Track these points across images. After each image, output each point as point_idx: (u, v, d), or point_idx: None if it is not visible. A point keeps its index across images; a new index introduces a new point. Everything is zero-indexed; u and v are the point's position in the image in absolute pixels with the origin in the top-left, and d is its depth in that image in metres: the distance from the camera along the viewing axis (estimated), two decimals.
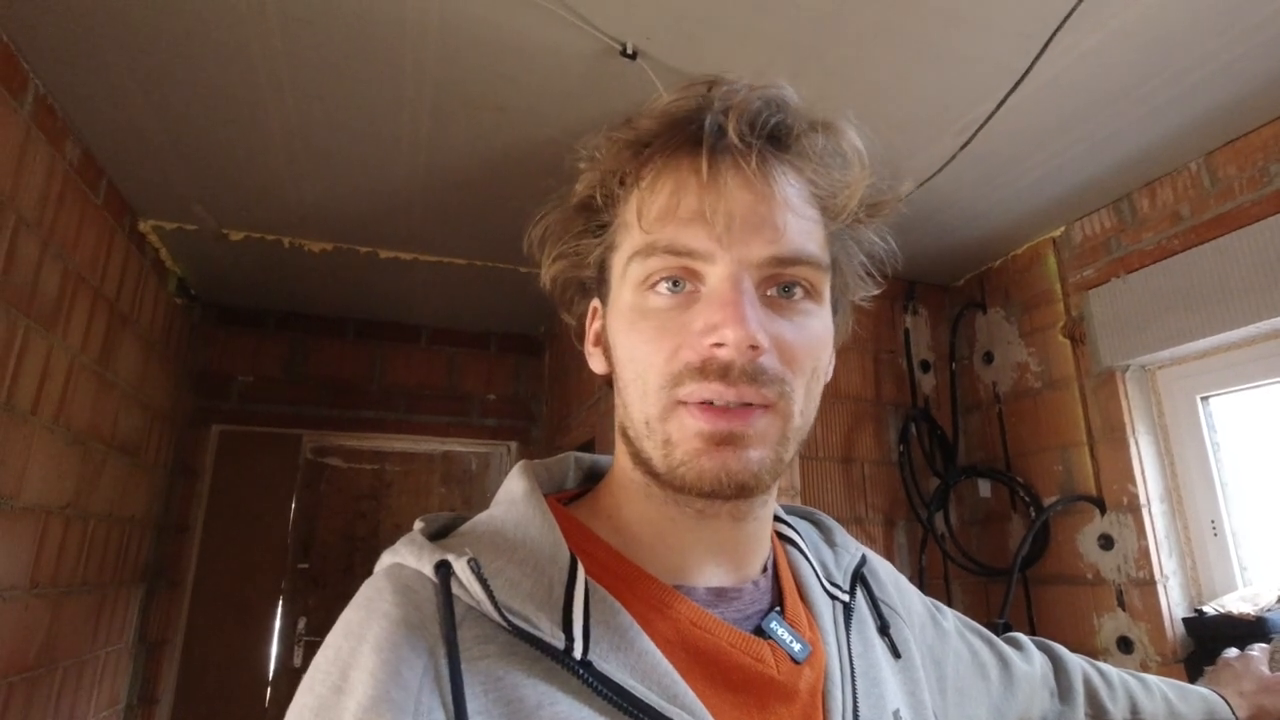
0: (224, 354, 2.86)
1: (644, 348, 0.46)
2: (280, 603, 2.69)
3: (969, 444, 2.49)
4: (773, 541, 0.56)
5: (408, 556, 0.44)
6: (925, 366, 2.53)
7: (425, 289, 2.73)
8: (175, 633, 2.57)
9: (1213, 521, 1.92)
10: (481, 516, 0.50)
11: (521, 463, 0.54)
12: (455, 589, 0.41)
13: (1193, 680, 1.74)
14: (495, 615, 0.40)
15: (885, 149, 1.17)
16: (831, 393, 2.51)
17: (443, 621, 0.40)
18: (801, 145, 0.48)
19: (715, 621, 0.46)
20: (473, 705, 0.38)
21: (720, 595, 0.49)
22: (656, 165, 0.48)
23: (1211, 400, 1.99)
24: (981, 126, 1.68)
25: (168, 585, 2.58)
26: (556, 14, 1.38)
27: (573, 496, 0.56)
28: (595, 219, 0.52)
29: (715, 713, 0.41)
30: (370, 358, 3.08)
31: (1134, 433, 2.03)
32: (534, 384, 3.33)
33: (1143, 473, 2.00)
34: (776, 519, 0.59)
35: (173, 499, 2.64)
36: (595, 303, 0.55)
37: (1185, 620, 1.85)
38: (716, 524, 0.48)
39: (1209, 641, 1.76)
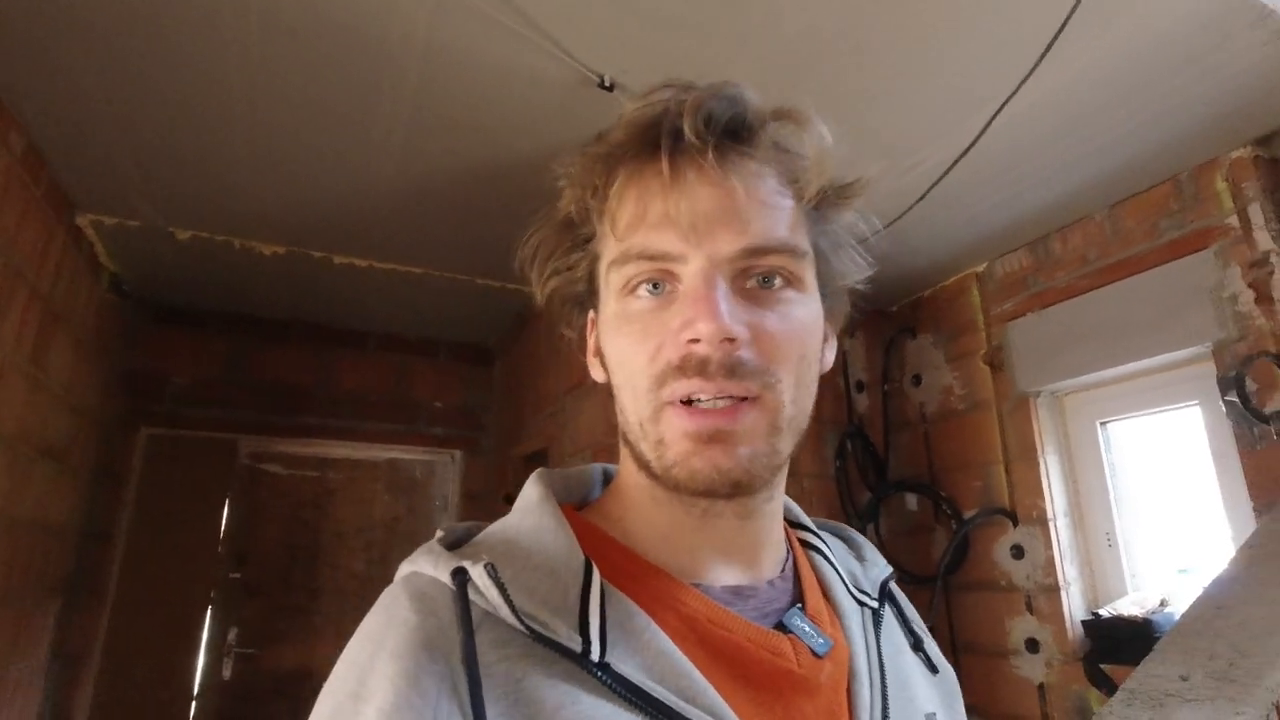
0: (158, 354, 2.74)
1: (630, 351, 0.47)
2: (210, 613, 2.60)
3: (899, 460, 2.68)
4: (794, 545, 0.56)
5: (425, 565, 0.44)
6: (860, 387, 2.70)
7: (378, 295, 2.70)
8: (93, 647, 2.43)
9: (1108, 534, 2.14)
10: (496, 525, 0.50)
11: (537, 471, 0.54)
12: (472, 595, 0.41)
13: (1090, 675, 1.95)
14: (512, 619, 0.41)
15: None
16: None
17: (460, 627, 0.40)
18: (760, 136, 0.49)
19: (733, 617, 0.46)
20: (492, 710, 0.38)
21: (737, 593, 0.48)
22: (623, 174, 0.49)
23: (1110, 425, 2.22)
24: (941, 178, 1.84)
25: (87, 597, 2.45)
26: (539, 44, 1.44)
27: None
28: (579, 233, 0.53)
29: (736, 709, 0.41)
30: (316, 363, 3.01)
31: (1043, 453, 2.25)
32: (483, 393, 3.33)
33: (1050, 489, 2.21)
34: (803, 528, 0.59)
35: (96, 506, 2.51)
36: (592, 314, 0.55)
37: (1084, 622, 2.06)
38: (722, 523, 0.48)
39: (1104, 641, 1.97)
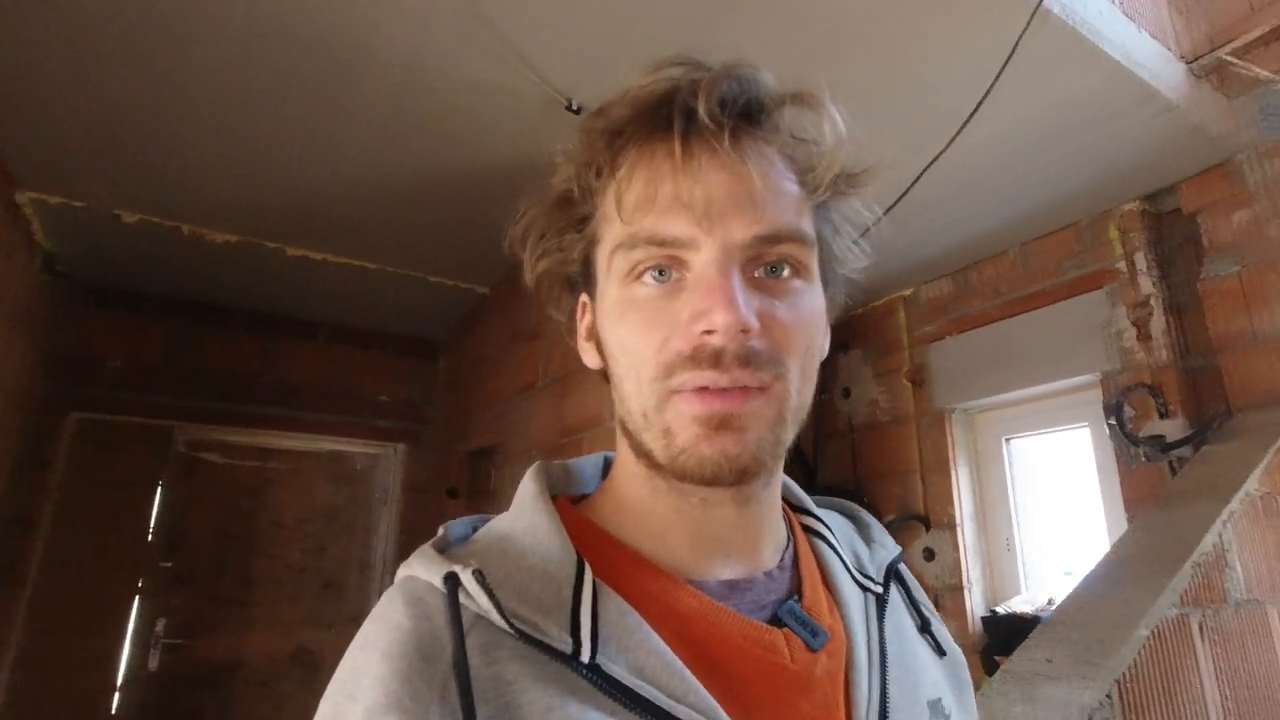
0: (92, 337, 2.65)
1: (634, 340, 0.45)
2: (138, 602, 2.54)
3: (827, 467, 2.86)
4: (795, 532, 0.55)
5: (419, 569, 0.44)
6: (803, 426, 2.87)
7: (329, 288, 2.70)
8: (11, 635, 2.35)
9: (1008, 539, 2.38)
10: (494, 522, 0.50)
11: (535, 464, 0.53)
12: (463, 598, 0.42)
13: (986, 666, 2.17)
14: (501, 623, 0.41)
15: None
16: None
17: (451, 631, 0.40)
18: (775, 119, 0.47)
19: (726, 614, 0.45)
20: (483, 712, 0.38)
21: (733, 587, 0.48)
22: (631, 154, 0.46)
23: (1014, 441, 2.46)
24: (882, 216, 2.01)
25: (7, 584, 2.36)
26: (514, 65, 1.51)
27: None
28: (575, 213, 0.50)
29: (728, 707, 0.41)
30: (260, 352, 2.97)
31: (955, 464, 2.46)
32: (428, 388, 3.35)
33: (959, 498, 2.43)
34: (804, 512, 0.58)
35: (18, 491, 2.42)
36: (584, 298, 0.53)
37: (983, 619, 2.28)
38: (721, 512, 0.48)
39: (999, 635, 2.19)
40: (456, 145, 1.81)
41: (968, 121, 1.49)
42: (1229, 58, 1.71)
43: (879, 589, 0.54)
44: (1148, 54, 1.60)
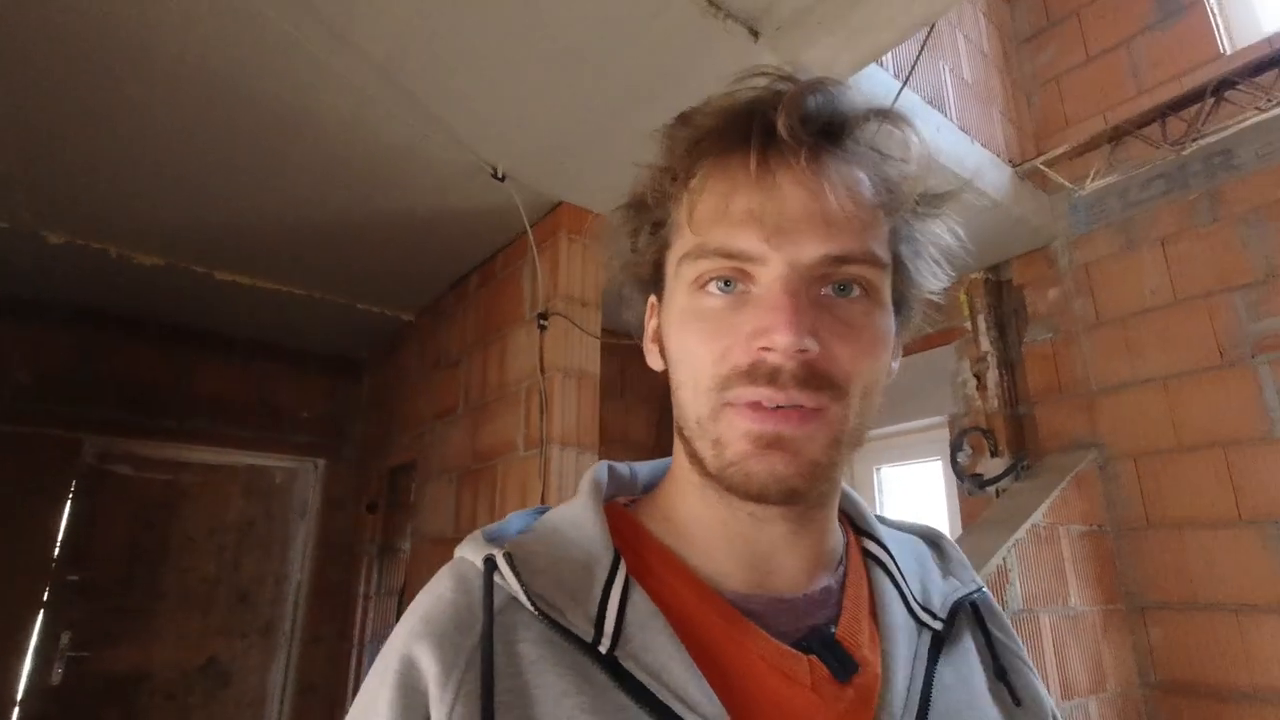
0: None
1: (695, 349, 0.45)
2: (42, 616, 2.53)
3: None
4: (850, 555, 0.53)
5: (467, 551, 0.47)
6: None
7: (254, 309, 2.78)
8: None
9: None
10: (553, 513, 0.52)
11: (599, 464, 0.55)
12: (498, 580, 0.44)
13: None
14: (527, 604, 0.43)
15: None
16: (620, 439, 3.01)
17: (484, 607, 0.43)
18: (857, 137, 0.46)
19: (753, 631, 0.45)
20: (501, 684, 0.40)
21: (770, 605, 0.47)
22: (707, 164, 0.46)
23: (883, 470, 2.80)
24: None
25: None
26: (440, 137, 1.71)
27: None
28: (649, 217, 0.51)
29: None
30: (175, 365, 2.99)
31: None
32: (350, 405, 3.43)
33: None
34: (869, 536, 0.55)
35: None
36: (652, 299, 0.53)
37: None
38: (769, 528, 0.47)
39: None
40: (386, 193, 1.98)
41: None
42: (1042, 166, 2.09)
43: (938, 625, 0.51)
44: (977, 160, 1.95)
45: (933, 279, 0.52)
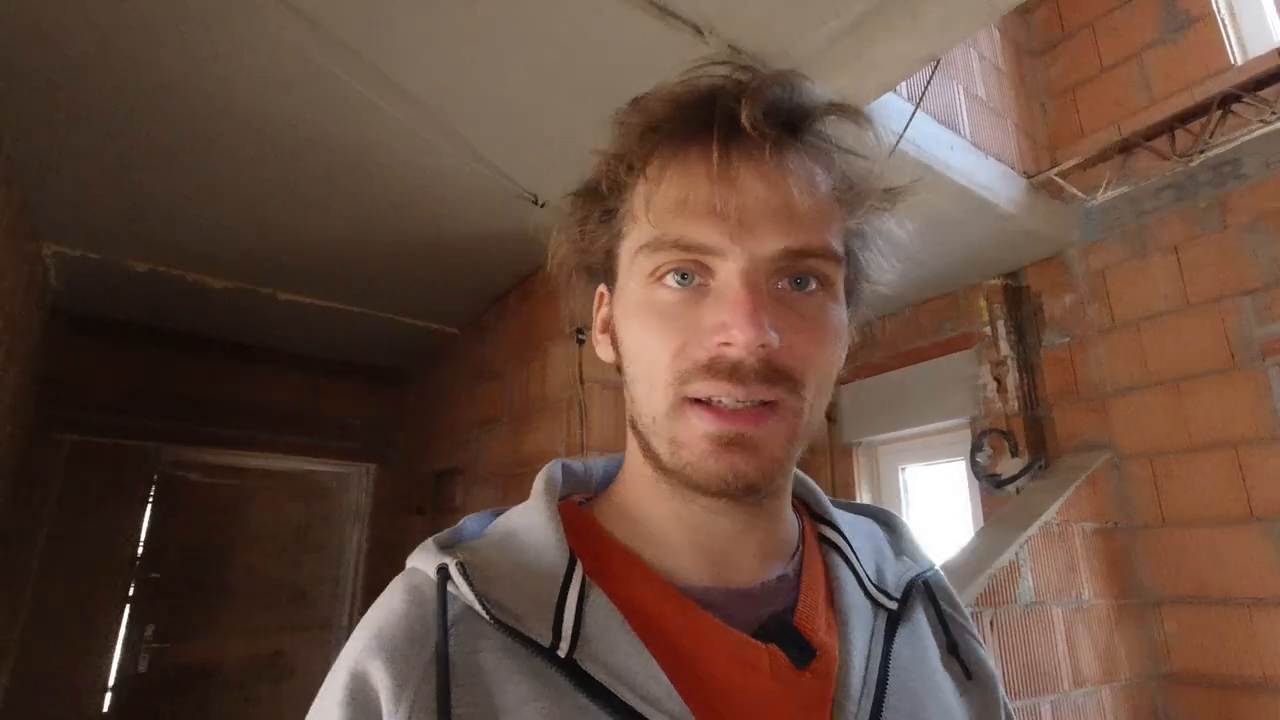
0: (82, 365, 2.88)
1: (651, 343, 0.44)
2: (128, 610, 2.77)
3: None
4: (808, 543, 0.53)
5: (419, 561, 0.46)
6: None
7: (310, 324, 2.99)
8: (9, 641, 2.56)
9: None
10: (505, 517, 0.51)
11: (553, 462, 0.54)
12: (452, 589, 0.43)
13: None
14: (483, 613, 0.42)
15: None
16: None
17: (436, 619, 0.42)
18: (817, 131, 0.46)
19: (711, 624, 0.45)
20: (458, 695, 0.40)
21: (728, 596, 0.47)
22: (665, 153, 0.45)
23: (907, 469, 2.90)
24: None
25: (6, 594, 2.57)
26: (488, 166, 1.87)
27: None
28: (601, 205, 0.49)
29: (704, 717, 0.41)
30: (239, 378, 3.22)
31: (859, 489, 2.89)
32: (397, 413, 3.64)
33: None
34: (824, 521, 0.55)
35: (16, 508, 2.64)
36: (602, 289, 0.52)
37: None
38: (725, 521, 0.47)
39: None
40: (433, 218, 2.15)
41: None
42: (1055, 177, 2.17)
43: (893, 606, 0.51)
44: (989, 175, 2.05)
45: (882, 272, 0.53)
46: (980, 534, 1.82)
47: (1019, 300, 2.52)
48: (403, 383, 3.71)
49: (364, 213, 2.12)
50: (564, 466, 0.54)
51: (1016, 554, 1.66)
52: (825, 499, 0.58)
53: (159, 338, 3.06)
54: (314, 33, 1.41)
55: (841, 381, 2.57)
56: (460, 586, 0.43)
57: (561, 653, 0.41)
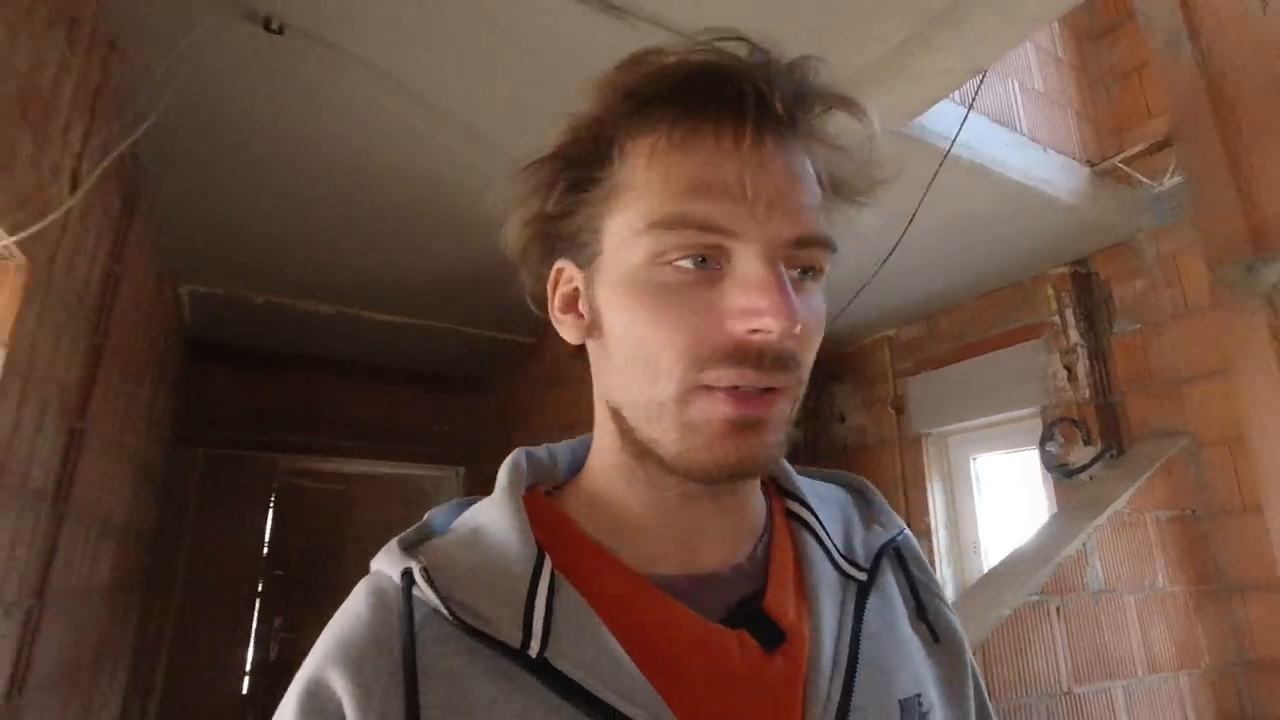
0: (210, 387, 3.24)
1: (659, 327, 0.42)
2: (259, 604, 3.12)
3: None
4: (776, 521, 0.52)
5: (383, 563, 0.46)
6: (795, 423, 3.35)
7: (402, 341, 3.26)
8: (165, 632, 2.94)
9: (975, 542, 2.83)
10: (470, 512, 0.50)
11: (515, 452, 0.52)
12: (418, 593, 0.42)
13: None
14: (449, 617, 0.41)
15: None
16: None
17: (401, 625, 0.42)
18: (822, 122, 0.46)
19: (680, 613, 0.44)
20: (427, 700, 0.39)
21: (697, 582, 0.46)
22: (683, 126, 0.42)
23: (978, 459, 2.91)
24: (861, 290, 2.50)
25: (159, 591, 2.95)
26: None
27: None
28: (576, 171, 0.46)
29: (676, 707, 0.40)
30: (342, 393, 3.54)
31: (930, 480, 2.93)
32: (481, 419, 3.90)
33: (934, 508, 2.89)
34: (793, 497, 0.54)
35: (166, 514, 3.01)
36: (562, 264, 0.49)
37: None
38: (698, 506, 0.47)
39: None
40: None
41: (899, 242, 1.97)
42: (1120, 164, 2.16)
43: (863, 576, 0.51)
44: (1048, 169, 2.06)
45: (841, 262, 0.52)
46: (1047, 524, 1.87)
47: (1088, 287, 2.50)
48: (485, 390, 3.96)
49: (446, 242, 2.33)
50: (528, 454, 0.53)
51: (1084, 543, 1.71)
52: (792, 472, 0.56)
53: (274, 360, 3.41)
54: (407, 98, 1.60)
55: (908, 374, 2.62)
56: (425, 591, 0.42)
57: (533, 652, 0.40)
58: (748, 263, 0.41)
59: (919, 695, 0.48)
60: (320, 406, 3.50)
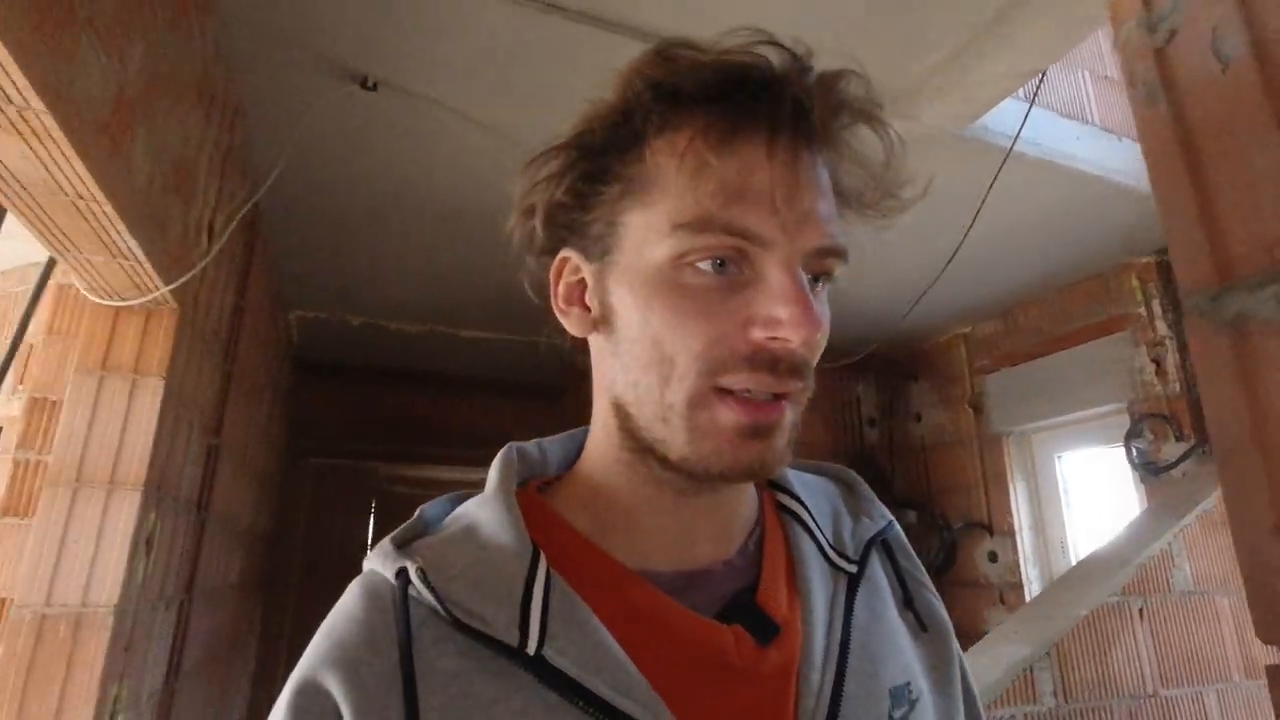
0: (316, 402, 3.55)
1: (677, 328, 0.42)
2: None
3: (902, 482, 3.31)
4: (768, 514, 0.53)
5: (377, 563, 0.45)
6: (871, 423, 3.34)
7: (487, 354, 3.46)
8: (285, 627, 3.24)
9: (1062, 541, 2.75)
10: (462, 509, 0.50)
11: (506, 447, 0.52)
12: (414, 594, 0.42)
13: None
14: (446, 617, 0.41)
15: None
16: (799, 440, 3.28)
17: (398, 628, 0.41)
18: (848, 135, 0.45)
19: (674, 609, 0.44)
20: (427, 702, 0.39)
21: (690, 578, 0.46)
22: (718, 128, 0.41)
23: (1064, 457, 2.83)
24: (940, 273, 2.50)
25: (279, 588, 3.26)
26: None
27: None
28: (594, 162, 0.45)
29: (672, 703, 0.40)
30: (433, 404, 3.79)
31: (1012, 479, 2.86)
32: (559, 423, 4.05)
33: (1017, 507, 2.83)
34: (783, 490, 0.54)
35: (282, 518, 3.32)
36: (568, 254, 0.48)
37: None
38: (694, 503, 0.47)
39: None
40: None
41: (962, 242, 1.97)
42: None
43: (853, 569, 0.51)
44: (1124, 158, 2.01)
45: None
46: (1131, 524, 1.83)
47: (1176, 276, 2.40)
48: (560, 396, 4.13)
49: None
50: (519, 450, 0.53)
51: (1169, 543, 1.67)
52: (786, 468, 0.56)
53: (371, 376, 3.68)
54: (492, 139, 1.75)
55: (985, 371, 2.58)
56: (421, 592, 0.42)
57: (530, 650, 0.40)
58: (773, 271, 0.41)
59: (909, 683, 0.48)
60: (413, 418, 3.75)
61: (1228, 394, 0.44)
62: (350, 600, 0.44)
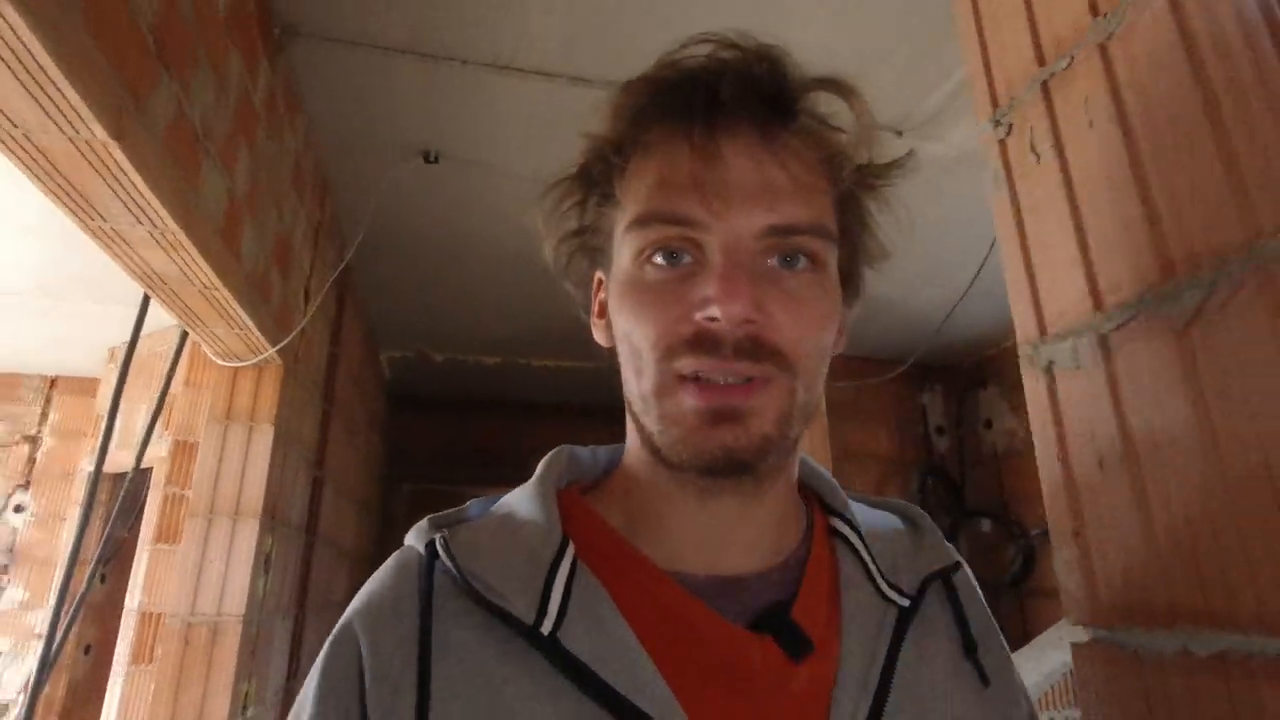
0: (408, 432, 3.87)
1: (639, 321, 0.43)
2: None
3: (973, 491, 3.26)
4: (817, 535, 0.51)
5: (413, 538, 0.47)
6: (940, 431, 3.31)
7: (557, 381, 3.68)
8: None
9: None
10: (505, 499, 0.51)
11: (556, 449, 0.54)
12: (440, 567, 0.44)
13: None
14: (465, 589, 0.42)
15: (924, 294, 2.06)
16: (864, 453, 3.30)
17: (419, 598, 0.43)
18: (802, 107, 0.45)
19: (702, 613, 0.43)
20: (440, 670, 0.40)
21: (722, 584, 0.45)
22: (652, 132, 0.45)
23: None
24: (972, 284, 2.51)
25: None
26: None
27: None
28: (595, 189, 0.49)
29: (688, 707, 0.40)
30: (511, 429, 4.05)
31: None
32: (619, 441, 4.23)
33: None
34: (836, 514, 0.53)
35: (380, 540, 3.64)
36: (599, 273, 0.52)
37: None
38: (719, 504, 0.45)
39: None
40: None
41: (992, 247, 1.99)
42: None
43: (905, 601, 0.48)
44: None
45: (878, 251, 0.51)
46: None
47: None
48: (623, 418, 4.29)
49: None
50: (571, 453, 0.55)
51: None
52: (841, 491, 0.55)
53: (455, 407, 3.98)
54: (539, 189, 1.94)
55: None
56: (445, 562, 0.43)
57: (545, 630, 0.40)
58: (709, 253, 0.42)
59: None
60: (493, 443, 4.01)
61: (1040, 424, 0.54)
62: (384, 569, 0.47)
